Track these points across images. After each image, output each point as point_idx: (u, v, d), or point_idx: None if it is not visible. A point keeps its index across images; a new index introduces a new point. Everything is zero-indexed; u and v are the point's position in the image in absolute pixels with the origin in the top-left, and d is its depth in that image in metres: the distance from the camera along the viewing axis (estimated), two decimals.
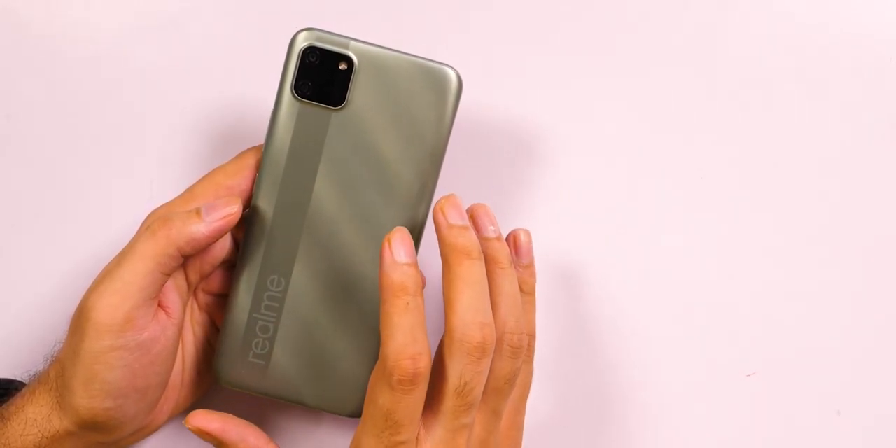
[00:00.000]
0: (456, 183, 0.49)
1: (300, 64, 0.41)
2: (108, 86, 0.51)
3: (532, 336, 0.44)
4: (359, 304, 0.43)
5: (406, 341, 0.37)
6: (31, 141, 0.51)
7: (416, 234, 0.43)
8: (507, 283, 0.41)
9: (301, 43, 0.41)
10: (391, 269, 0.38)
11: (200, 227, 0.40)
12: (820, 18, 0.51)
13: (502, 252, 0.41)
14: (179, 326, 0.43)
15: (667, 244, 0.50)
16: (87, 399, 0.40)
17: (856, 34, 0.51)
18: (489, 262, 0.41)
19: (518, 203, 0.50)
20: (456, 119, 0.43)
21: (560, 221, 0.50)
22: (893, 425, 0.50)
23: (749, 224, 0.50)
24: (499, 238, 0.42)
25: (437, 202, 0.40)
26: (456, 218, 0.40)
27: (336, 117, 0.41)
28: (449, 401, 0.38)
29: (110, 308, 0.39)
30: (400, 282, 0.38)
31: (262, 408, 0.49)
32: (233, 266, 0.44)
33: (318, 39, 0.41)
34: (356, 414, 0.43)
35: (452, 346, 0.38)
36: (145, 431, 0.44)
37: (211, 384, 0.47)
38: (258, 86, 0.50)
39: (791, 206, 0.51)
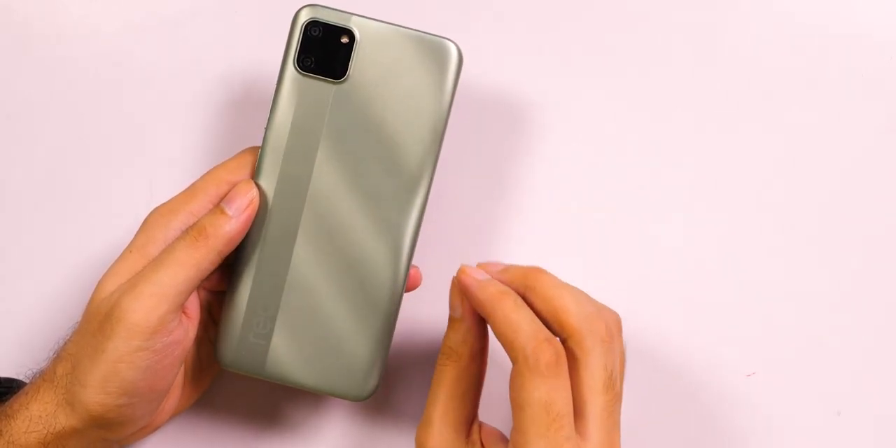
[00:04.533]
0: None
1: (303, 38, 0.42)
2: (108, 86, 0.51)
3: None
4: (361, 280, 0.43)
5: (534, 328, 0.38)
6: (31, 141, 0.51)
7: (419, 209, 0.43)
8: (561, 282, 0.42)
9: (304, 17, 0.42)
10: (481, 287, 0.39)
11: (232, 224, 0.41)
12: (819, 19, 0.51)
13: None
14: (196, 327, 0.43)
15: (667, 243, 0.50)
16: (102, 395, 0.40)
17: (855, 34, 0.51)
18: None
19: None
20: (457, 93, 0.43)
21: (555, 216, 0.50)
22: (893, 425, 0.50)
23: (749, 223, 0.51)
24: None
25: (460, 272, 0.41)
26: (483, 274, 0.41)
27: (338, 91, 0.42)
28: (599, 398, 0.38)
29: (146, 311, 0.39)
30: (496, 290, 0.39)
31: (266, 397, 0.49)
32: (230, 261, 0.44)
33: (321, 14, 0.42)
34: (360, 398, 0.43)
35: (585, 342, 0.38)
36: (147, 430, 0.44)
37: (210, 384, 0.47)
38: (258, 85, 0.50)
39: (791, 206, 0.51)
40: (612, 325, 0.40)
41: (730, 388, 0.50)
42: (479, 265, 0.42)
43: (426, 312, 0.49)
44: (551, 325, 0.39)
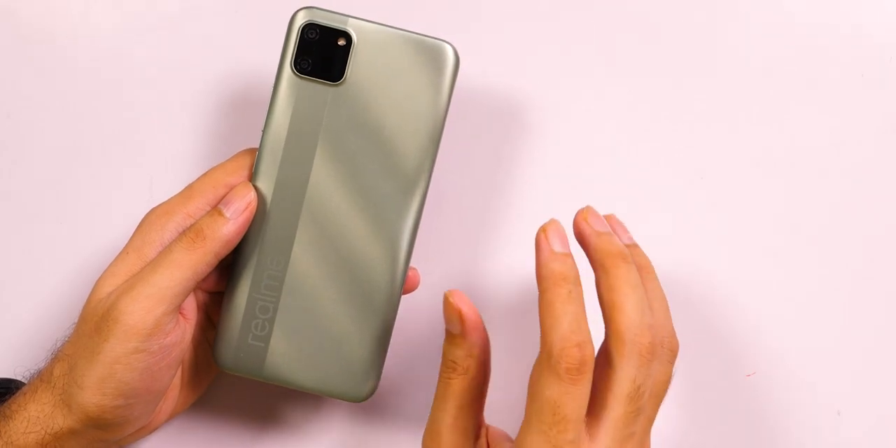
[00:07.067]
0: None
1: (299, 40, 0.42)
2: (108, 86, 0.51)
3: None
4: (359, 282, 0.43)
5: (571, 328, 0.36)
6: (31, 141, 0.51)
7: (417, 210, 0.43)
8: (658, 287, 0.41)
9: (300, 20, 0.42)
10: (550, 259, 0.38)
11: (230, 227, 0.41)
12: (820, 18, 0.51)
13: (646, 258, 0.42)
14: (193, 328, 0.43)
15: (666, 242, 0.50)
16: (99, 397, 0.40)
17: (856, 34, 0.51)
18: (637, 268, 0.40)
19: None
20: (454, 94, 0.43)
21: (554, 209, 0.50)
22: (893, 425, 0.50)
23: (749, 223, 0.50)
24: (636, 245, 0.42)
25: (577, 212, 0.40)
26: (600, 226, 0.40)
27: (335, 93, 0.42)
28: (619, 407, 0.37)
29: (143, 312, 0.39)
30: (560, 271, 0.37)
31: (266, 398, 0.49)
32: (228, 263, 0.44)
33: (317, 16, 0.42)
34: (360, 399, 0.43)
35: (623, 349, 0.37)
36: (145, 431, 0.44)
37: (208, 384, 0.48)
38: (258, 86, 0.51)
39: (791, 206, 0.51)
40: (660, 344, 0.39)
41: (730, 389, 0.50)
42: (605, 217, 0.41)
43: (424, 313, 0.49)
44: (603, 316, 0.38)
